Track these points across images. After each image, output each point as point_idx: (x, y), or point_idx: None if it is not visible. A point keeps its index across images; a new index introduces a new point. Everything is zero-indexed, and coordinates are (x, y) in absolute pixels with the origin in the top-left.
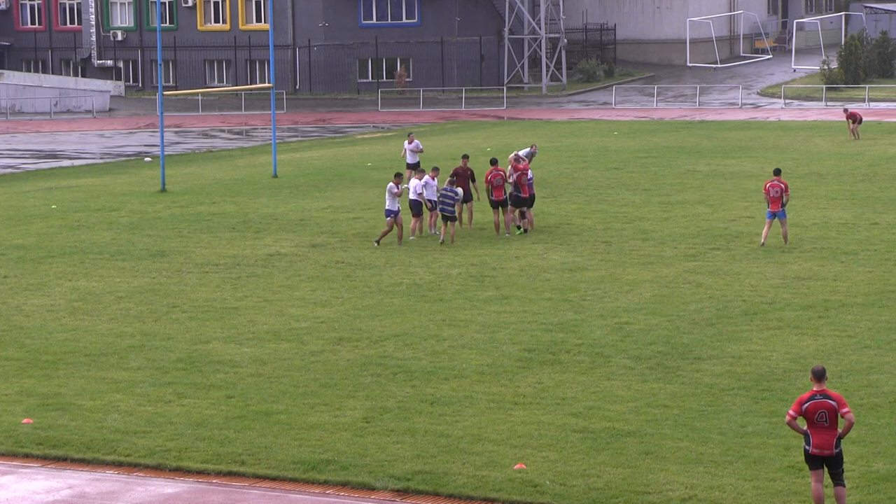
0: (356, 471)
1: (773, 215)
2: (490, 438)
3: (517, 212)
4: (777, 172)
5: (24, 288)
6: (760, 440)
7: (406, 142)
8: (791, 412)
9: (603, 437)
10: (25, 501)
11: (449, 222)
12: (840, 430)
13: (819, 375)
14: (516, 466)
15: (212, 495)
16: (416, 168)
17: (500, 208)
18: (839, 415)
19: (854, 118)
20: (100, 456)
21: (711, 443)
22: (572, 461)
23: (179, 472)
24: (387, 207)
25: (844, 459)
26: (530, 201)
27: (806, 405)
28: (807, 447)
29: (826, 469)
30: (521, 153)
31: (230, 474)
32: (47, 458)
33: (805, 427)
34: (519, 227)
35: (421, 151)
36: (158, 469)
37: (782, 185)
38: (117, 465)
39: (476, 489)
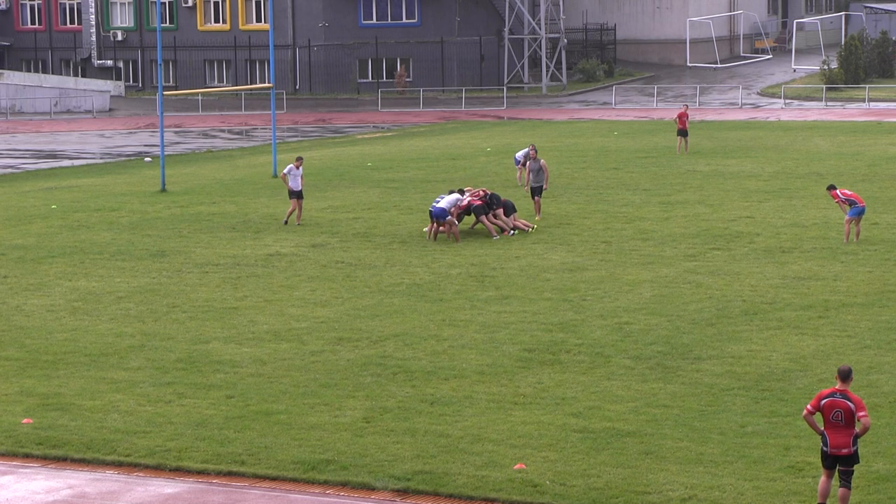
0: (356, 471)
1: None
2: (490, 438)
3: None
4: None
5: (24, 288)
6: (760, 440)
7: (293, 165)
8: (809, 407)
9: (603, 437)
10: (25, 501)
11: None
12: (857, 430)
13: (844, 375)
14: (516, 466)
15: (212, 495)
16: (300, 196)
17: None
18: (856, 417)
19: (682, 126)
20: (100, 456)
21: (711, 443)
22: (572, 461)
23: (179, 472)
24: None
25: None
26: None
27: (824, 401)
28: (824, 448)
29: (837, 468)
30: (518, 154)
31: (230, 474)
32: (47, 458)
33: (822, 427)
34: (513, 231)
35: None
36: (158, 469)
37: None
38: (117, 465)
39: (476, 489)
